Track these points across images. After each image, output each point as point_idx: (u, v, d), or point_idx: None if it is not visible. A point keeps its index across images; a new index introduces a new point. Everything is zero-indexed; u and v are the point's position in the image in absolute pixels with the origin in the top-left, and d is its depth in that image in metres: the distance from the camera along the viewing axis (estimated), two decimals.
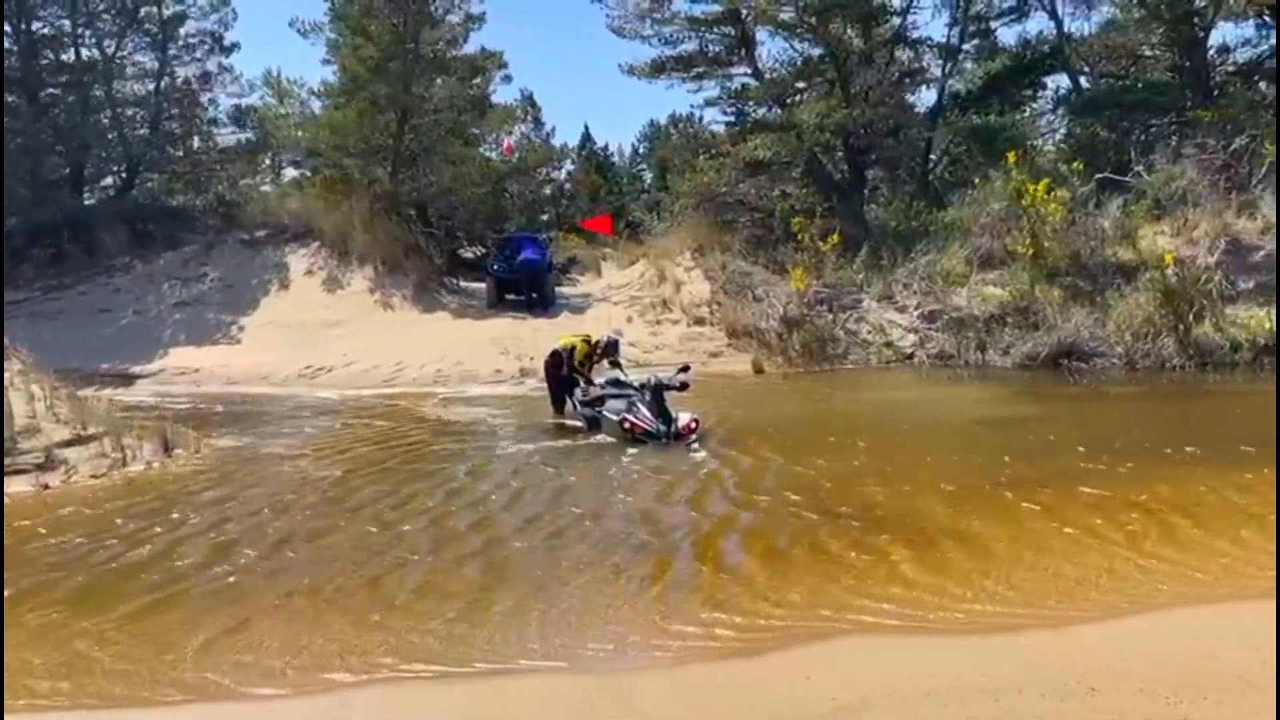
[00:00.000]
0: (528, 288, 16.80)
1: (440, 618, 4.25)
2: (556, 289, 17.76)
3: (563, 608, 4.31)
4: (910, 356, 12.91)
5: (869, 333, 13.41)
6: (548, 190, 29.81)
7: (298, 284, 17.43)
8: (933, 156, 18.12)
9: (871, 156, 17.28)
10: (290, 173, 25.79)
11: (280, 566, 4.97)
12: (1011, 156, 13.63)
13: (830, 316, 13.61)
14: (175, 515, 5.99)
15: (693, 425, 7.93)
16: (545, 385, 9.76)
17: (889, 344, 13.19)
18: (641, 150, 39.15)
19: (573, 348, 9.40)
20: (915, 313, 13.43)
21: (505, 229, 21.41)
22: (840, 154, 17.44)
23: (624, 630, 4.09)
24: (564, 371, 9.40)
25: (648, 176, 37.62)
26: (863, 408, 9.93)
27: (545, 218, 17.80)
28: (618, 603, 4.36)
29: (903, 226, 15.33)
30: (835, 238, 14.25)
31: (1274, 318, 11.00)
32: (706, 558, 4.99)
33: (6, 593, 4.64)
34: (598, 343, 9.54)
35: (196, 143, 20.42)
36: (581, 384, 9.26)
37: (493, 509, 5.97)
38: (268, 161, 24.15)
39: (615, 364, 9.22)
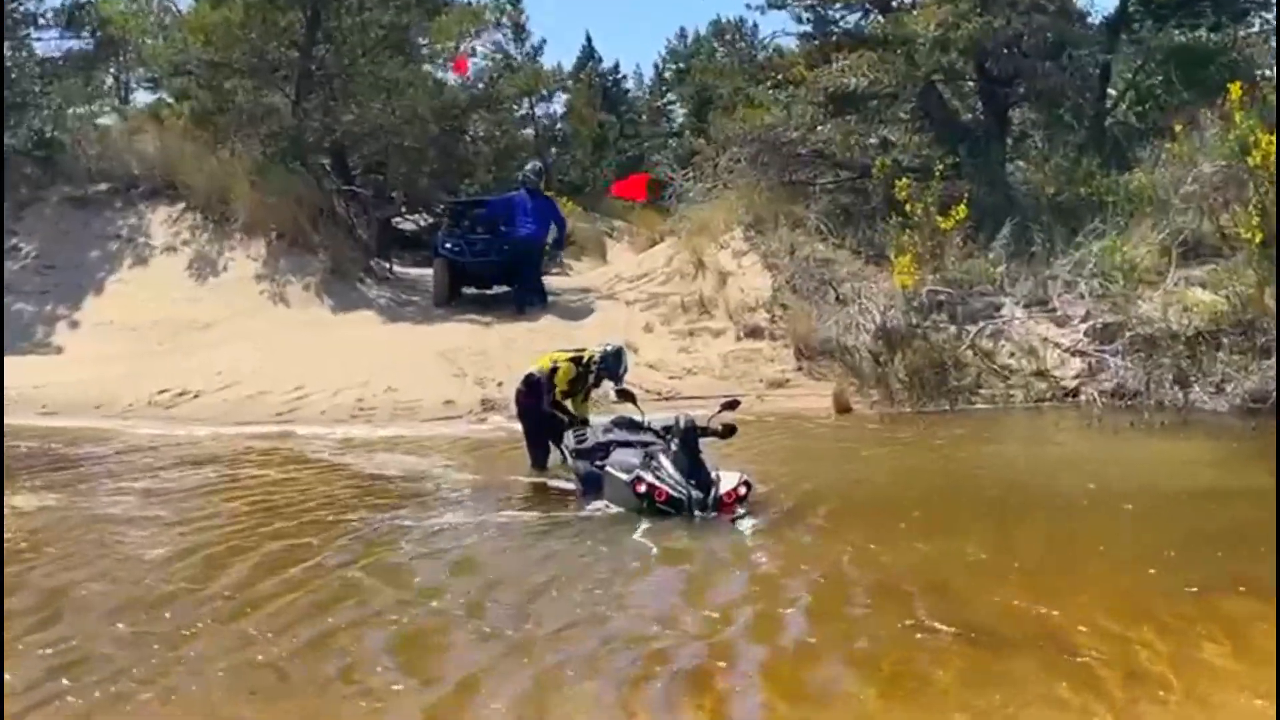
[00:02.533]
0: (514, 276, 16.80)
1: None
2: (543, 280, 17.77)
3: None
4: (1074, 393, 12.83)
5: (1012, 355, 13.36)
6: (529, 132, 29.95)
7: (152, 265, 17.53)
8: (1111, 91, 18.03)
9: (1019, 89, 17.21)
10: (144, 99, 25.99)
11: None
12: (1234, 90, 13.57)
13: (953, 330, 13.57)
14: None
15: (741, 491, 7.90)
16: (520, 426, 9.80)
17: (1042, 373, 13.13)
18: (669, 74, 39.22)
19: (554, 368, 9.44)
20: (1082, 326, 13.36)
21: (463, 189, 21.50)
22: (972, 85, 17.40)
23: None
24: (545, 405, 9.45)
25: (678, 114, 37.65)
26: (1000, 470, 9.83)
27: (528, 170, 17.72)
28: None
29: (1065, 195, 15.29)
30: (962, 210, 14.20)
31: None
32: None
33: None
34: (589, 359, 9.56)
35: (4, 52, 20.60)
36: (567, 422, 9.28)
37: (419, 629, 5.83)
38: (110, 81, 24.31)
39: (623, 394, 9.15)
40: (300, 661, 5.26)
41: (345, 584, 6.45)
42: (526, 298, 16.77)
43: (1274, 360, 11.90)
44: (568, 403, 9.44)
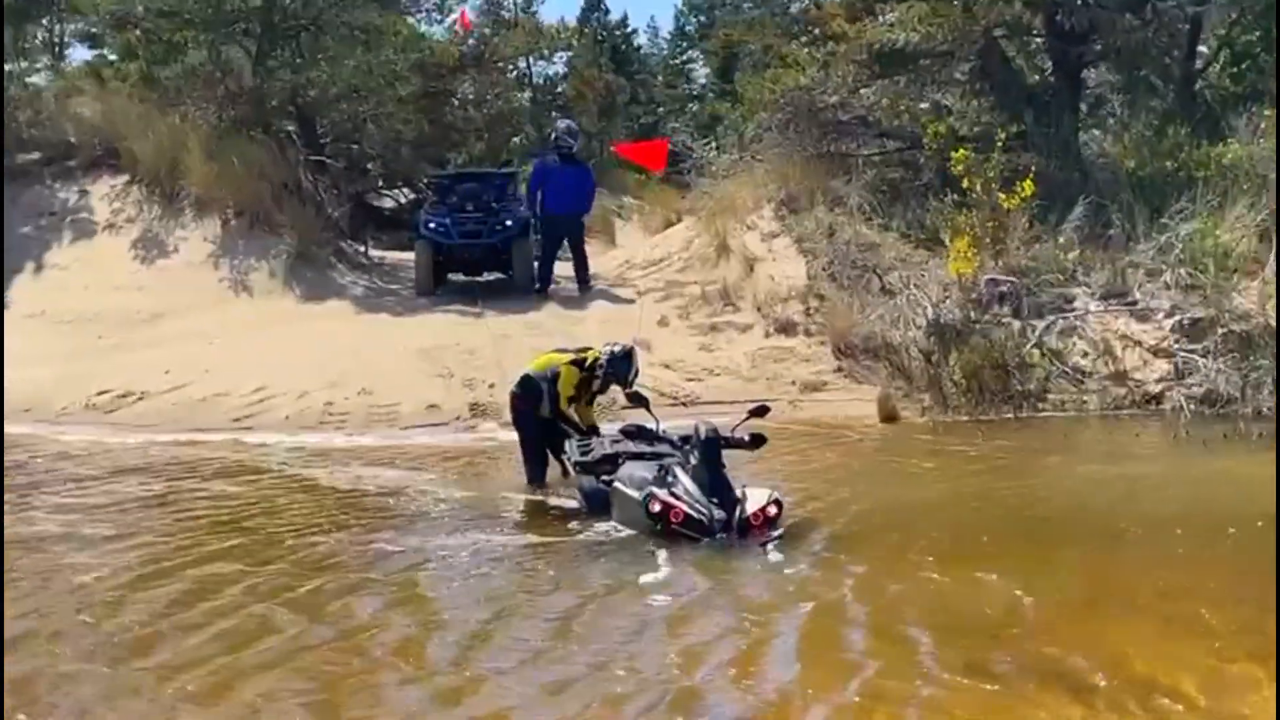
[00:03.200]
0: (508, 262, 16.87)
1: None
2: (536, 263, 17.69)
3: None
4: (1157, 399, 12.76)
5: (1085, 355, 13.29)
6: (525, 97, 29.90)
7: (91, 247, 17.56)
8: (1203, 49, 17.90)
9: (1094, 46, 17.10)
10: (81, 56, 25.95)
11: None
12: None
13: (1017, 326, 13.47)
14: None
15: (771, 511, 7.88)
16: (515, 434, 9.85)
17: (1120, 376, 13.05)
18: (690, 28, 39.23)
19: (555, 372, 9.47)
20: (1167, 323, 13.31)
21: (451, 161, 21.43)
22: (1040, 41, 17.31)
23: None
24: (545, 412, 9.48)
25: (699, 74, 37.71)
26: (1072, 488, 9.78)
27: (561, 132, 17.52)
28: None
29: (1148, 170, 15.20)
30: (1028, 186, 14.04)
31: None
32: None
33: None
34: (595, 361, 9.55)
35: None
36: (574, 434, 9.28)
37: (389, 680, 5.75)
38: (41, 36, 24.27)
39: (635, 397, 9.10)
40: (196, 706, 5.24)
41: (262, 619, 6.43)
42: (585, 282, 17.06)
43: None
44: (571, 409, 9.47)
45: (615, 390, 10.05)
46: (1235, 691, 5.33)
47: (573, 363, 9.51)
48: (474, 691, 5.44)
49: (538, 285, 16.90)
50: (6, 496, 9.57)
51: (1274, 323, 12.60)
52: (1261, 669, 5.50)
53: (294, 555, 7.72)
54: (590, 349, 9.82)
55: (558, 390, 9.38)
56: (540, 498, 9.29)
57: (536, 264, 17.10)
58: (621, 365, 9.51)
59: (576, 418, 9.47)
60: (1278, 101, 14.01)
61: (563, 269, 17.55)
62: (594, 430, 9.43)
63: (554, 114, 31.73)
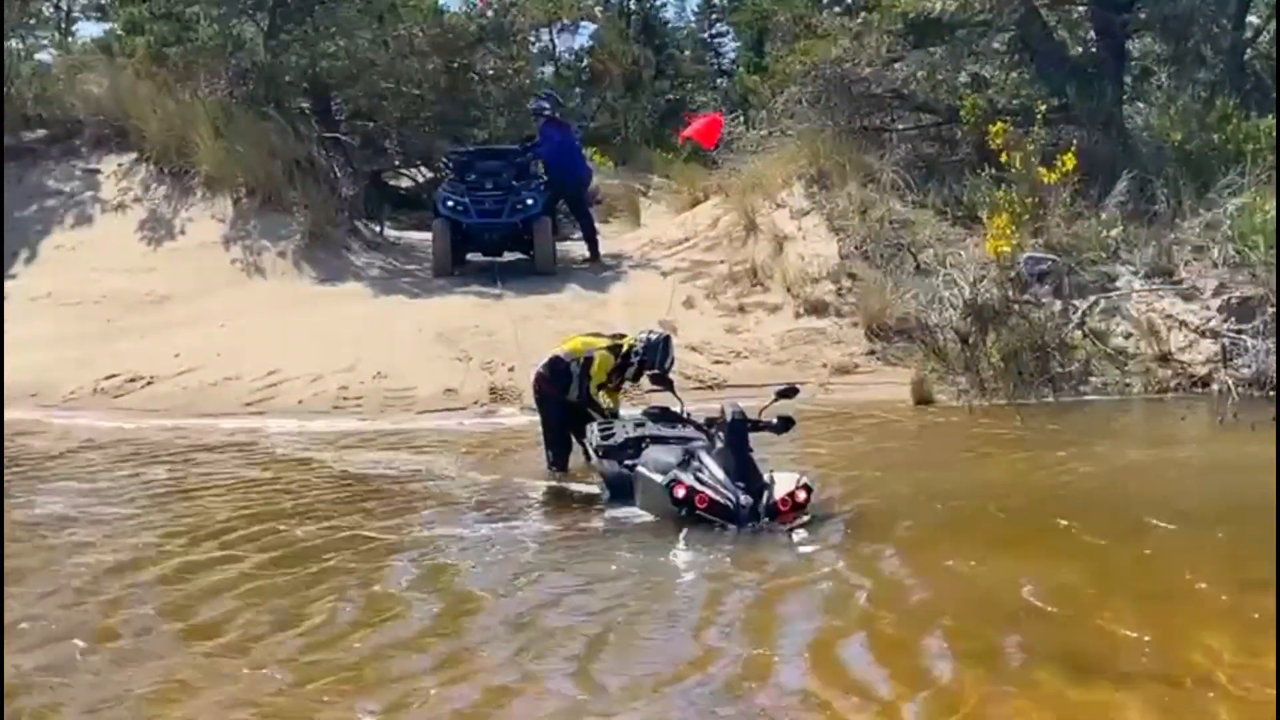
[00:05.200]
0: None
1: None
2: (558, 244, 17.77)
3: None
4: (1204, 382, 12.76)
5: (1129, 337, 13.32)
6: (548, 70, 29.82)
7: (98, 227, 17.57)
8: (1252, 18, 17.80)
9: (1139, 15, 17.04)
10: (90, 31, 26.01)
11: None
12: None
13: (1058, 306, 13.49)
14: None
15: (800, 496, 7.92)
16: (539, 417, 9.87)
17: (1165, 357, 13.06)
18: (718, 1, 39.06)
19: (589, 357, 9.48)
20: (1214, 302, 13.30)
21: (470, 138, 21.41)
22: (1082, 10, 17.26)
23: None
24: (572, 396, 9.50)
25: (728, 48, 37.57)
26: (1113, 474, 9.77)
27: (543, 103, 17.74)
28: None
29: (1195, 143, 15.12)
30: (1069, 161, 14.07)
31: None
32: None
33: None
34: (630, 349, 9.56)
35: None
36: (597, 417, 9.34)
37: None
38: (49, 10, 24.35)
39: (661, 380, 9.15)
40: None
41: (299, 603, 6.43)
42: (595, 256, 17.40)
43: None
44: (601, 395, 9.48)
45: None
46: (1267, 679, 5.31)
47: (609, 349, 9.52)
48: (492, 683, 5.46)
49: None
50: (38, 481, 9.79)
51: None
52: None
53: (310, 541, 7.79)
54: (625, 336, 9.84)
55: (589, 374, 9.39)
56: (561, 484, 9.32)
57: None
58: (659, 354, 9.50)
59: (612, 397, 9.52)
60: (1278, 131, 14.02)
61: (585, 247, 17.58)
62: (614, 414, 9.44)
63: (578, 89, 31.70)
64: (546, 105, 17.84)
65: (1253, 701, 5.09)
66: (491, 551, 7.64)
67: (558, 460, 9.60)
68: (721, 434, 8.07)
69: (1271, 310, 12.84)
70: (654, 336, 9.70)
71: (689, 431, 8.52)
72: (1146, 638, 5.80)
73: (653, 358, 9.48)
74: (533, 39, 25.51)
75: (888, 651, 5.81)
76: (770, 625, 6.25)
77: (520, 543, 7.80)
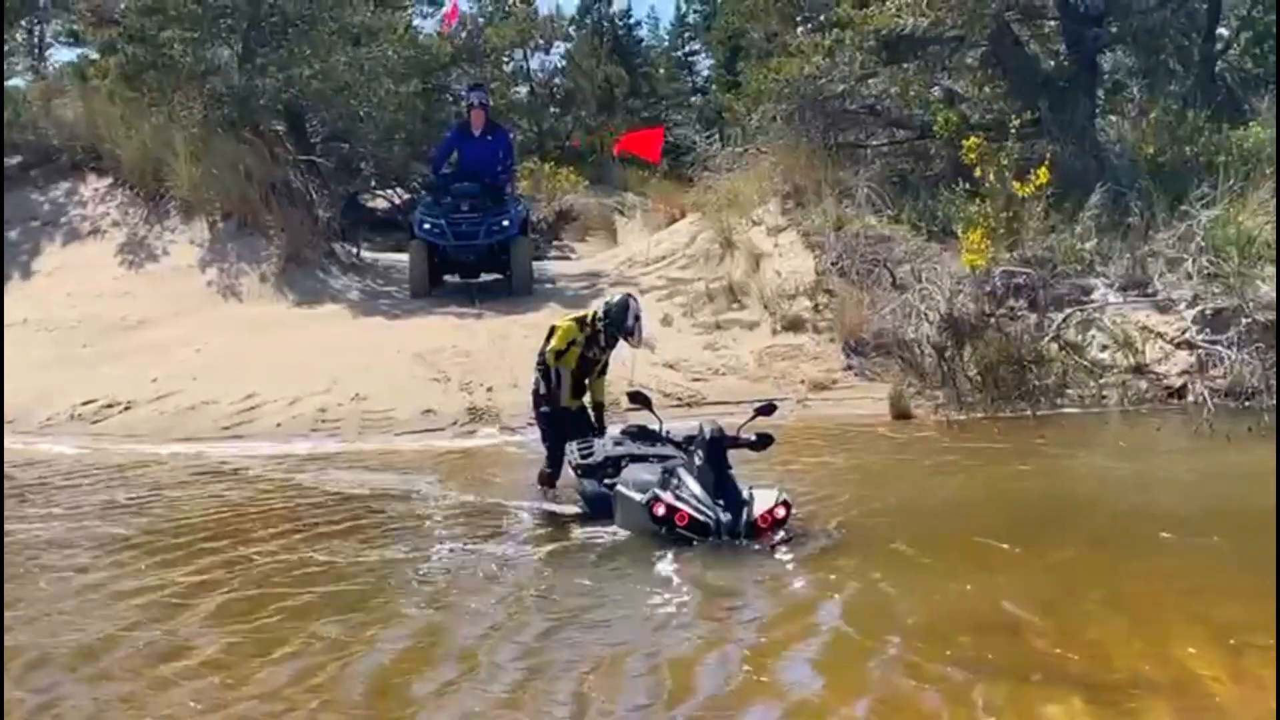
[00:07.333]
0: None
1: None
2: (535, 263, 17.78)
3: None
4: (1179, 393, 12.80)
5: (1104, 349, 13.35)
6: (522, 92, 29.91)
7: (74, 252, 17.55)
8: (1222, 31, 17.93)
9: (1110, 29, 17.11)
10: (63, 56, 25.98)
11: None
12: None
13: (1033, 319, 13.53)
14: None
15: (780, 513, 7.90)
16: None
17: (1140, 369, 13.09)
18: (692, 19, 39.18)
19: (552, 326, 9.61)
20: (1188, 313, 13.31)
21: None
22: (1054, 24, 17.32)
23: None
24: (565, 400, 9.48)
25: (703, 66, 37.68)
26: (1090, 486, 9.82)
27: (474, 97, 17.88)
28: None
29: (1167, 155, 15.21)
30: (1043, 174, 14.13)
31: None
32: None
33: None
34: (593, 315, 9.51)
35: None
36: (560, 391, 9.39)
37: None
38: (23, 35, 24.31)
39: (637, 398, 9.11)
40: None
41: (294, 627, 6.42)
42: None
43: None
44: (577, 379, 9.46)
45: (617, 391, 10.11)
46: (1254, 689, 5.36)
47: (574, 319, 9.54)
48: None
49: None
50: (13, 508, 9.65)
51: None
52: None
53: (286, 565, 7.75)
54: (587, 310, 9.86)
55: (550, 342, 9.38)
56: (540, 504, 9.28)
57: None
58: (617, 312, 9.31)
59: (585, 379, 9.48)
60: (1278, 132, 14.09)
61: (561, 267, 17.59)
62: (602, 408, 9.53)
63: (553, 109, 31.79)
64: (477, 96, 17.97)
65: (1240, 714, 5.12)
66: (471, 573, 7.60)
67: (550, 476, 9.46)
68: (700, 452, 8.06)
69: (1246, 321, 12.82)
70: (614, 299, 9.60)
71: (668, 450, 8.51)
72: (1131, 648, 5.80)
73: (616, 316, 9.32)
74: (506, 59, 25.61)
75: (862, 665, 5.79)
76: (745, 642, 6.21)
77: (502, 563, 7.75)
